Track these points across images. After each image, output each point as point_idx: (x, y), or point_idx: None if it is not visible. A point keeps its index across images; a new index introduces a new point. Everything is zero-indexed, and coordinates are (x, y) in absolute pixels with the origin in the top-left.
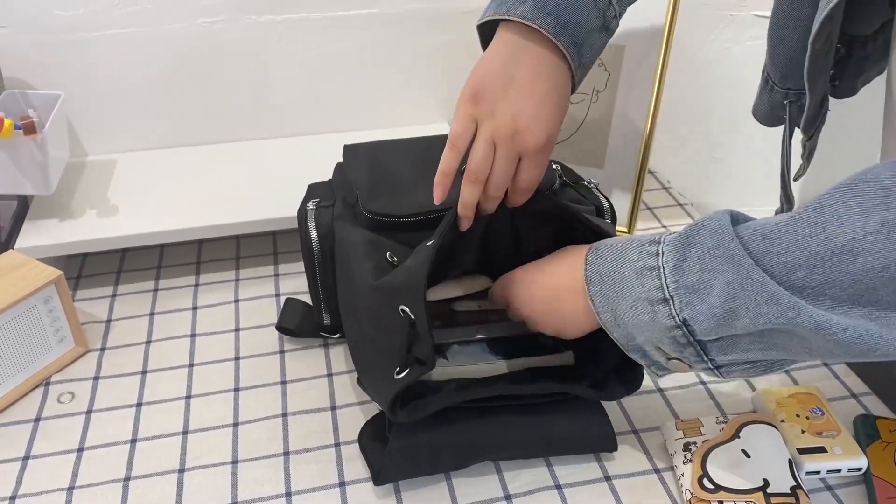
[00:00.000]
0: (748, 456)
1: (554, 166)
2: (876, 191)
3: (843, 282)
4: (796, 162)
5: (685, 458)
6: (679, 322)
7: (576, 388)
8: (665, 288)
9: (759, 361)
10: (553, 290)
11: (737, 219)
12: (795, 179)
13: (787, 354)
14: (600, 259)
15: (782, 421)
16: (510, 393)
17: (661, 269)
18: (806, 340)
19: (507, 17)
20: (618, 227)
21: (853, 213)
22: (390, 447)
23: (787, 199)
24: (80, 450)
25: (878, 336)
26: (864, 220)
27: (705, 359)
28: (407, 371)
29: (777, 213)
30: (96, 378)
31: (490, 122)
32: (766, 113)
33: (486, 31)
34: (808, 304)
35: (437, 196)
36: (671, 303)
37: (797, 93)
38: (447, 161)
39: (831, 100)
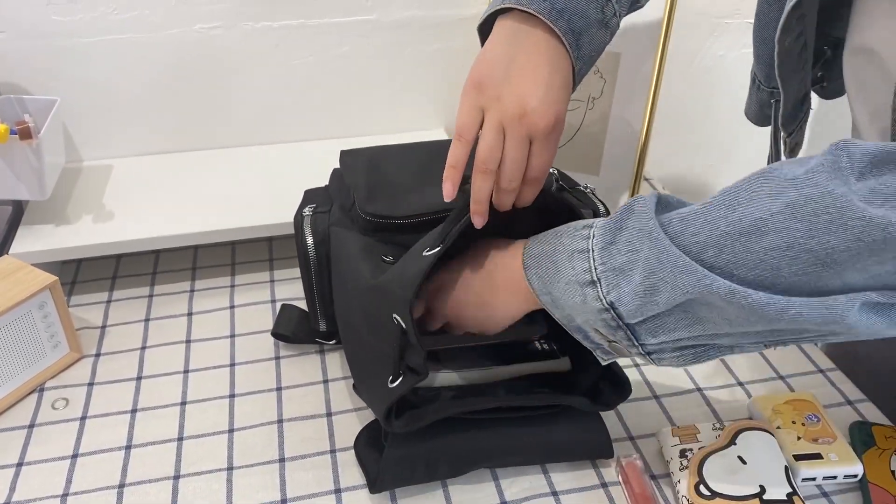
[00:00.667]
0: (744, 462)
1: (551, 170)
2: (785, 177)
3: (749, 261)
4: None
5: (681, 464)
6: (606, 305)
7: (571, 401)
8: (593, 270)
9: (687, 347)
10: (488, 282)
11: (666, 203)
12: None
13: (711, 329)
14: (537, 242)
15: (778, 427)
16: (506, 405)
17: (591, 252)
18: (723, 310)
19: (503, 7)
20: None
21: (763, 196)
22: (386, 456)
23: None
24: (75, 456)
25: (786, 300)
26: (771, 201)
27: (636, 343)
28: (400, 380)
29: None
30: (91, 384)
31: (497, 108)
32: (756, 112)
33: (487, 32)
34: (720, 276)
35: (447, 192)
36: (598, 285)
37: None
38: (455, 153)
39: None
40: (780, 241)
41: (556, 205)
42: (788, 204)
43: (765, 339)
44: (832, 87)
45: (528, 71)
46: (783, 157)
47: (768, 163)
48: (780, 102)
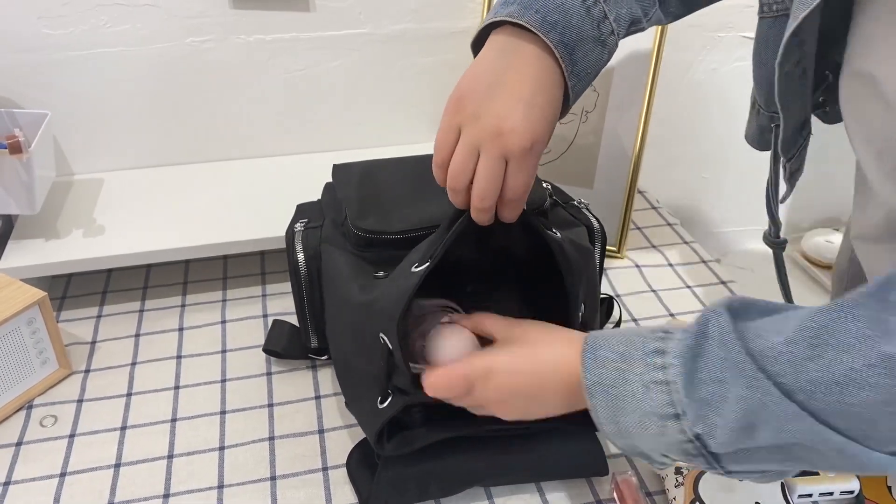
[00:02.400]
0: (740, 479)
1: (545, 185)
2: (873, 318)
3: (844, 412)
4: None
5: (677, 481)
6: (692, 437)
7: (566, 423)
8: (676, 404)
9: (766, 473)
10: (534, 380)
11: (735, 314)
12: (781, 202)
13: (804, 466)
14: (600, 366)
15: None
16: (499, 429)
17: (672, 384)
18: (825, 457)
19: (494, 20)
20: (607, 247)
21: (852, 340)
22: (379, 477)
23: (773, 223)
24: (63, 475)
25: (879, 463)
26: (864, 349)
27: (716, 466)
28: (389, 401)
29: (764, 237)
30: (80, 401)
31: (472, 126)
32: (756, 136)
33: (480, 48)
34: (828, 428)
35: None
36: (683, 418)
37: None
38: (435, 174)
39: (822, 124)
40: (877, 397)
41: (531, 227)
42: (885, 358)
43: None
44: (834, 112)
45: (510, 88)
46: (782, 182)
47: (767, 189)
48: (780, 127)
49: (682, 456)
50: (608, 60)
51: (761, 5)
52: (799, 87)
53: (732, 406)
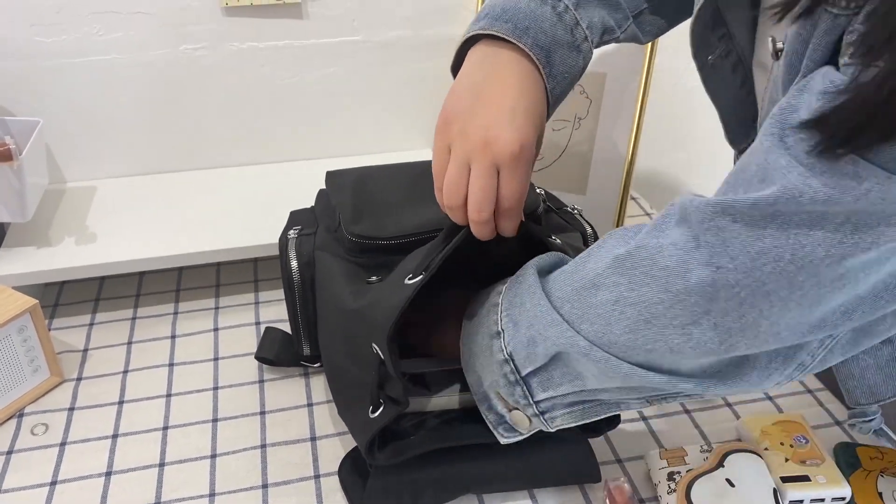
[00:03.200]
0: (732, 485)
1: (538, 190)
2: (623, 236)
3: (590, 315)
4: None
5: (669, 487)
6: (507, 355)
7: (560, 431)
8: (499, 321)
9: (575, 404)
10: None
11: (560, 264)
12: None
13: (590, 384)
14: (475, 302)
15: (766, 449)
16: (492, 441)
17: (500, 305)
18: (587, 367)
19: (467, 37)
20: None
21: (604, 251)
22: (371, 485)
23: None
24: (53, 483)
25: (629, 375)
26: (607, 255)
27: (531, 401)
28: (381, 410)
29: None
30: (71, 409)
31: (461, 143)
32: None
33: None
34: (579, 347)
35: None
36: (502, 336)
37: None
38: (437, 198)
39: None
40: (609, 296)
41: (530, 236)
42: (616, 258)
43: (642, 394)
44: None
45: (492, 101)
46: None
47: None
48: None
49: (506, 388)
50: (584, 67)
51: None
52: (731, 80)
53: (523, 322)
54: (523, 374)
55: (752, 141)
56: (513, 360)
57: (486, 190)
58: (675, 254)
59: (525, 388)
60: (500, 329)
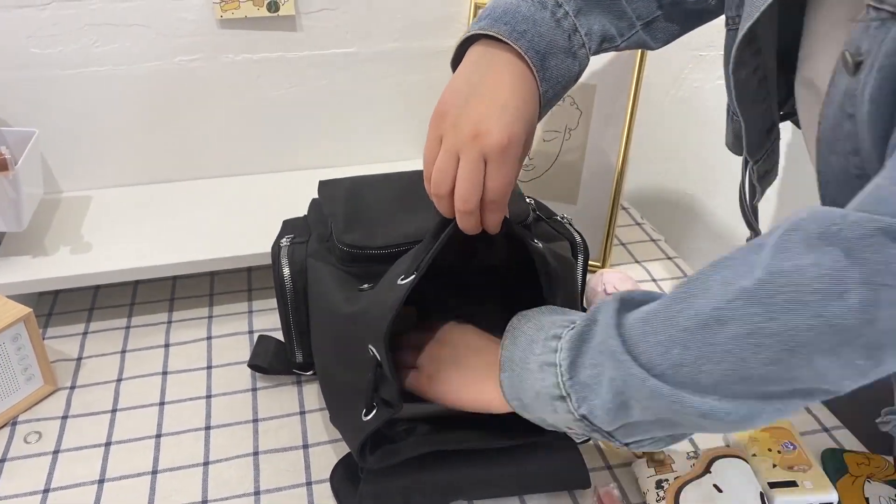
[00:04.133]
0: (720, 491)
1: (528, 200)
2: (739, 265)
3: (714, 355)
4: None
5: (658, 495)
6: (578, 417)
7: (549, 438)
8: (562, 385)
9: (662, 437)
10: (464, 356)
11: (629, 302)
12: (755, 202)
13: (686, 430)
14: (513, 345)
15: (754, 455)
16: (483, 447)
17: (559, 367)
18: (693, 424)
19: (468, 36)
20: (591, 263)
21: (717, 285)
22: (362, 491)
23: (750, 226)
24: (46, 491)
25: (759, 411)
26: (726, 289)
27: (612, 440)
28: (374, 413)
29: (747, 241)
30: (65, 417)
31: (452, 134)
32: (732, 142)
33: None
34: (691, 393)
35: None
36: (569, 400)
37: None
38: (426, 188)
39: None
40: (740, 330)
41: (517, 242)
42: (744, 290)
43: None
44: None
45: (485, 96)
46: (756, 185)
47: (740, 191)
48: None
49: (581, 431)
50: (580, 73)
51: (726, 18)
52: (758, 93)
53: (606, 387)
54: (607, 430)
55: (767, 151)
56: (587, 420)
57: (473, 181)
58: (824, 275)
59: (605, 434)
60: (563, 394)
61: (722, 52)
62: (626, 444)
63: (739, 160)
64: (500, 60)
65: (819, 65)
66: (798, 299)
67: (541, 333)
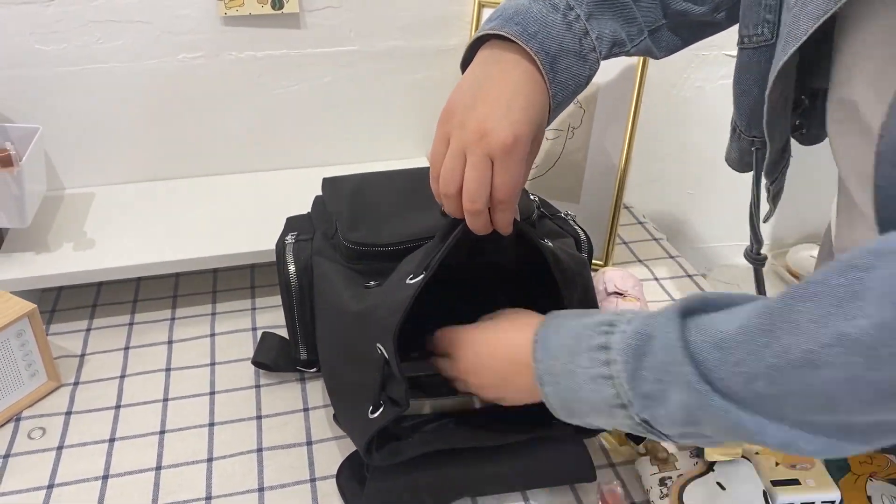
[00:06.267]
0: (723, 489)
1: (532, 197)
2: (826, 297)
3: (805, 392)
4: (765, 205)
5: (661, 493)
6: (639, 421)
7: (554, 431)
8: (623, 395)
9: (720, 440)
10: (503, 363)
11: (685, 313)
12: (765, 221)
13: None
14: (550, 356)
15: (757, 453)
16: (489, 444)
17: (616, 379)
18: (772, 447)
19: (479, 36)
20: (594, 262)
21: (805, 322)
22: (368, 490)
23: (755, 240)
24: (50, 486)
25: (841, 446)
26: (817, 330)
27: (667, 439)
28: (381, 411)
29: (745, 253)
30: (68, 413)
31: (459, 133)
32: (737, 160)
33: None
34: (771, 422)
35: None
36: (630, 407)
37: (763, 140)
38: (432, 188)
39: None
40: (837, 375)
41: (525, 242)
42: (841, 336)
43: None
44: (811, 134)
45: (492, 96)
46: (765, 203)
47: (750, 209)
48: (760, 151)
49: (635, 432)
50: (590, 77)
51: (741, 37)
52: (782, 114)
53: (675, 405)
54: (666, 433)
55: (781, 170)
56: (648, 424)
57: (480, 180)
58: None
59: (665, 437)
60: (624, 402)
61: (723, 53)
62: (680, 442)
63: None
64: (510, 61)
65: (858, 86)
66: None
67: (581, 343)
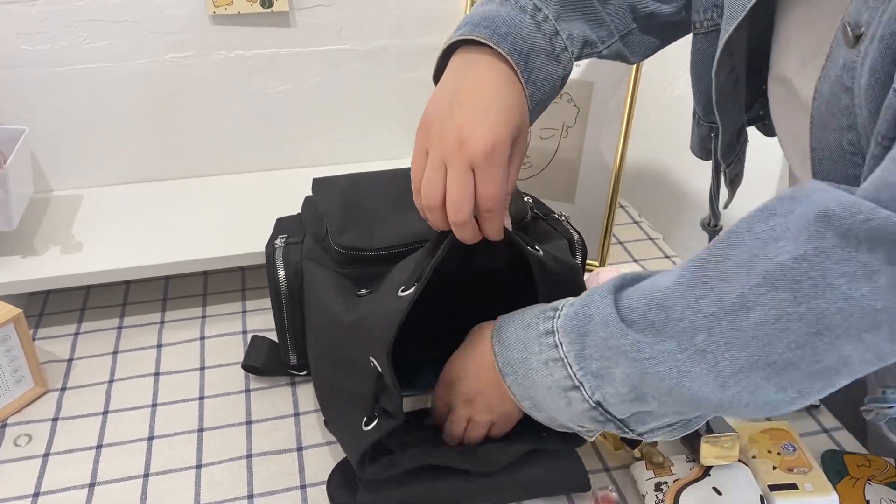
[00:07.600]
0: (720, 494)
1: (525, 199)
2: (751, 243)
3: (740, 340)
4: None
5: (657, 498)
6: (593, 404)
7: (546, 442)
8: (573, 376)
9: (676, 423)
10: (477, 372)
11: (622, 285)
12: (724, 207)
13: (701, 412)
14: (506, 348)
15: (753, 457)
16: (482, 469)
17: (565, 360)
18: (714, 412)
19: (448, 45)
20: (589, 261)
21: (734, 268)
22: (360, 500)
23: (713, 215)
24: (36, 495)
25: (778, 402)
26: (746, 274)
27: (626, 430)
28: (375, 423)
29: (703, 224)
30: (55, 419)
31: (438, 144)
32: (699, 146)
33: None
34: (712, 379)
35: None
36: (582, 388)
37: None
38: (415, 202)
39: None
40: (767, 315)
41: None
42: (766, 275)
43: None
44: (772, 125)
45: (468, 103)
46: (725, 188)
47: (710, 193)
48: (718, 136)
49: (594, 424)
50: (565, 77)
51: (693, 23)
52: (733, 95)
53: (620, 379)
54: (620, 417)
55: (738, 154)
56: (602, 406)
57: (463, 190)
58: (851, 258)
59: (619, 424)
60: (576, 383)
61: None
62: (641, 435)
63: None
64: (483, 64)
65: (790, 61)
66: (825, 283)
67: (530, 331)
